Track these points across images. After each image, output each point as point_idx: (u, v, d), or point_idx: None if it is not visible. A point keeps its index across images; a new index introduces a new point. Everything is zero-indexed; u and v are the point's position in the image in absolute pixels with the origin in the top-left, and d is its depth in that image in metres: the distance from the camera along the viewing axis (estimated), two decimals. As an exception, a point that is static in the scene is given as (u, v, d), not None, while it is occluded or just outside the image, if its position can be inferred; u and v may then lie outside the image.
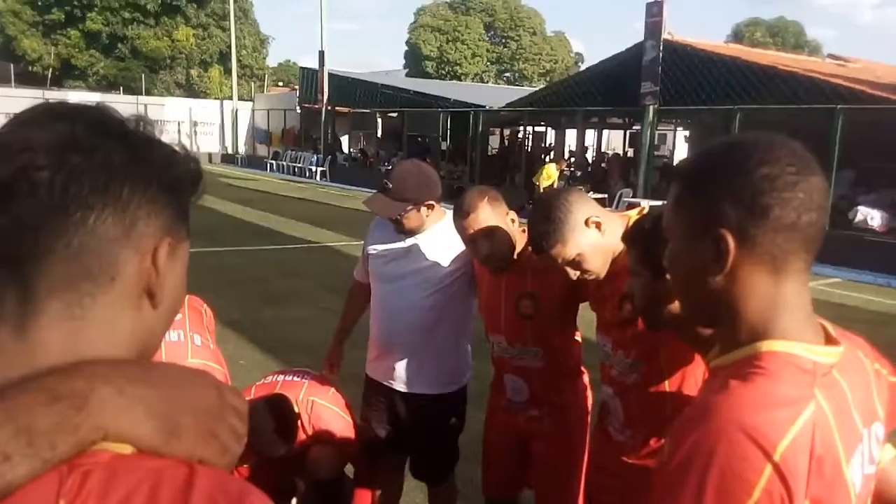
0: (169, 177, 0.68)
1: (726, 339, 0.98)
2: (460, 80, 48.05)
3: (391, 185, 2.51)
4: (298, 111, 29.91)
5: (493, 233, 2.30)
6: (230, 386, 0.70)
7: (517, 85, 47.71)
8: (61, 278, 0.62)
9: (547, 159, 20.24)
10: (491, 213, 2.31)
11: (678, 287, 1.05)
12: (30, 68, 39.34)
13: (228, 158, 32.41)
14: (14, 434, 0.53)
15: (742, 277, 0.93)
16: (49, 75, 38.38)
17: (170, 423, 0.60)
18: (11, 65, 34.75)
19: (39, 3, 39.30)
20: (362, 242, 2.88)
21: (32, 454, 0.54)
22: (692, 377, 1.92)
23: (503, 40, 57.46)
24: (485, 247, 2.32)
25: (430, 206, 2.57)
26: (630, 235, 1.80)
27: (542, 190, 16.64)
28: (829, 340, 0.95)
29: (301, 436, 2.76)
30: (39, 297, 0.62)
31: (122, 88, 36.90)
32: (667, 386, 1.95)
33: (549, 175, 17.19)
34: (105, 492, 0.55)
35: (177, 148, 0.71)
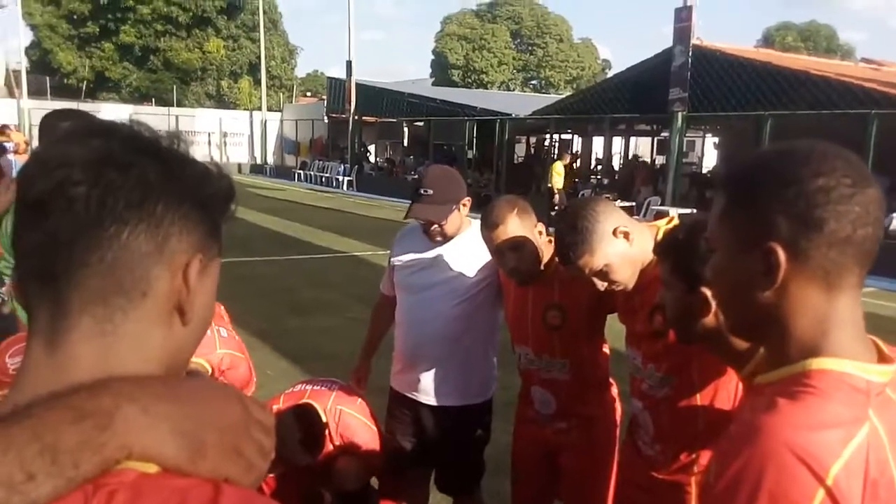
0: (202, 194, 0.69)
1: (773, 356, 0.95)
2: (486, 89, 48.12)
3: (431, 191, 2.51)
4: (326, 121, 30.19)
5: (520, 246, 2.28)
6: (256, 400, 0.69)
7: (543, 92, 47.65)
8: (94, 293, 0.62)
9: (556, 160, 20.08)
10: (519, 226, 2.29)
11: (723, 300, 1.01)
12: (65, 81, 40.31)
13: (257, 169, 32.79)
14: (39, 453, 0.53)
15: (793, 292, 0.89)
16: (83, 87, 39.27)
17: (195, 442, 0.60)
18: (47, 78, 35.66)
19: (75, 17, 40.23)
20: (388, 252, 2.87)
21: (57, 473, 0.53)
22: (725, 391, 1.88)
23: (529, 48, 57.41)
24: (511, 260, 2.30)
25: (465, 205, 2.59)
26: (662, 246, 1.76)
27: (556, 190, 16.63)
28: (882, 358, 0.91)
29: (328, 445, 2.76)
30: (72, 313, 0.63)
31: (154, 100, 37.63)
32: (698, 400, 1.91)
33: (558, 172, 17.14)
34: None
35: (210, 165, 0.72)
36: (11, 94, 29.40)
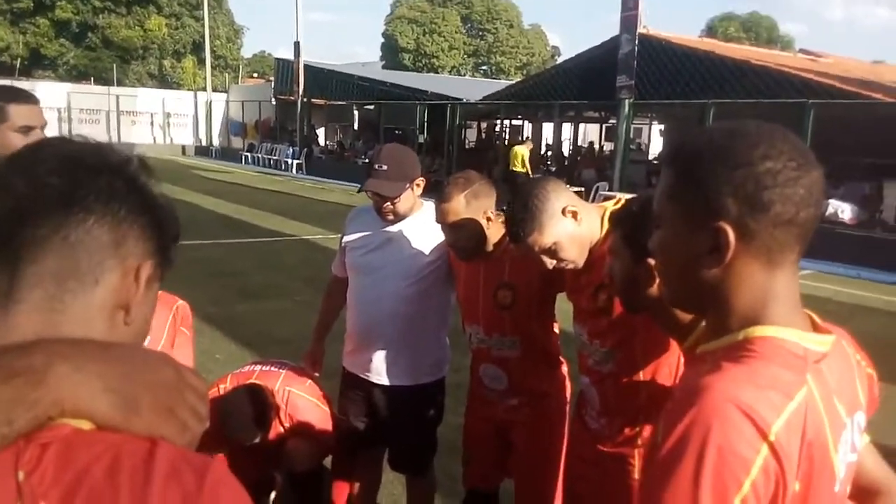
0: (159, 215, 0.74)
1: (714, 326, 0.98)
2: (437, 73, 47.94)
3: (385, 167, 2.51)
4: (273, 103, 29.63)
5: (462, 225, 2.34)
6: (189, 367, 0.71)
7: (494, 78, 47.75)
8: (50, 271, 0.65)
9: (515, 144, 20.19)
10: (465, 207, 2.33)
11: (667, 275, 1.04)
12: (-3, 58, 38.53)
13: (203, 151, 32.01)
14: None
15: (737, 269, 0.93)
16: (17, 65, 37.57)
17: (128, 400, 0.62)
18: (-22, 54, 34.00)
19: (7, -9, 38.43)
20: (339, 235, 2.86)
21: None
22: (666, 367, 1.95)
23: (480, 33, 57.39)
24: (450, 236, 2.39)
25: (419, 185, 2.61)
26: (617, 215, 1.81)
27: (522, 172, 16.72)
28: (817, 329, 0.96)
29: (277, 427, 2.75)
30: (26, 286, 0.65)
31: (93, 79, 36.23)
32: (641, 375, 1.98)
33: (520, 154, 17.24)
34: (64, 463, 0.56)
35: (166, 200, 0.77)
36: (-61, 71, 27.96)
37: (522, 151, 17.49)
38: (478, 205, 2.35)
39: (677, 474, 0.82)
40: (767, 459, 0.81)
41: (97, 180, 0.68)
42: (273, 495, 3.08)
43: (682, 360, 1.90)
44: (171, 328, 2.48)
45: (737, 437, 0.81)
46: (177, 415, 0.65)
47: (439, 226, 2.42)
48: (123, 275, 0.70)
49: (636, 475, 1.98)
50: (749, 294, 0.93)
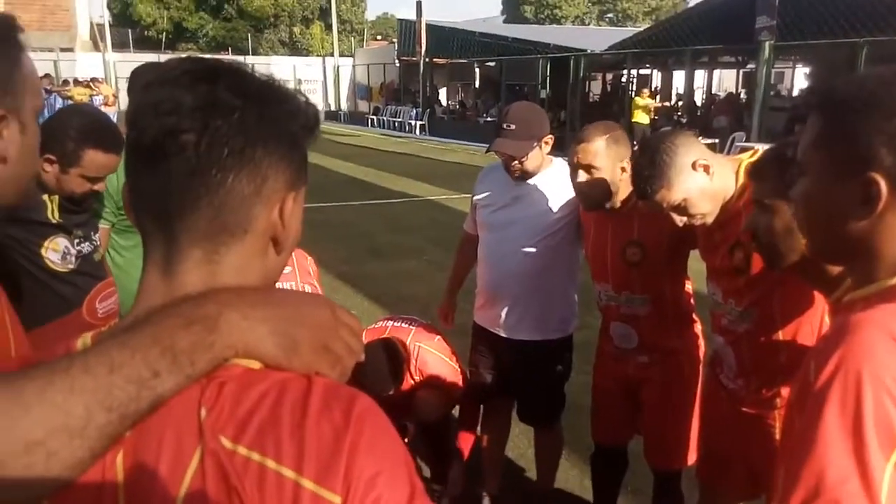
0: (294, 131, 0.75)
1: (861, 277, 0.96)
2: (560, 24, 46.59)
3: (514, 126, 2.53)
4: (397, 65, 30.04)
5: (597, 168, 2.29)
6: (343, 307, 0.77)
7: (620, 26, 45.76)
8: (202, 232, 0.70)
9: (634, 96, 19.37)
10: (604, 151, 2.29)
11: (811, 226, 1.01)
12: (145, 33, 41.46)
13: (331, 115, 33.13)
14: (160, 354, 0.62)
15: (888, 220, 0.90)
16: (163, 39, 40.31)
17: (289, 340, 0.69)
18: (129, 30, 36.74)
19: (152, -30, 41.08)
20: (463, 195, 2.93)
21: (177, 370, 0.63)
22: (808, 325, 1.86)
23: (605, -21, 55.02)
24: (581, 178, 2.32)
25: (547, 143, 2.61)
26: (762, 165, 1.71)
27: (644, 126, 16.10)
28: None
29: (408, 380, 2.88)
30: (183, 248, 0.71)
31: (230, 49, 38.27)
32: (780, 335, 1.90)
33: (642, 105, 16.55)
34: (238, 399, 0.64)
35: (300, 98, 0.77)
36: (96, 48, 30.47)
37: (639, 102, 16.79)
38: (617, 151, 2.30)
39: (835, 407, 0.80)
40: None
41: (230, 125, 0.68)
42: (405, 443, 3.24)
43: (827, 317, 1.80)
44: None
45: (894, 364, 0.79)
46: (332, 351, 0.72)
47: (569, 181, 2.40)
48: (269, 214, 0.72)
49: (777, 435, 1.91)
50: None
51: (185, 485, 0.62)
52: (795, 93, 24.32)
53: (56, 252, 2.11)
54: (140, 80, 2.65)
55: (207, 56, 0.80)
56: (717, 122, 17.07)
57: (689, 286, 2.45)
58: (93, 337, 0.71)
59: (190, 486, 0.62)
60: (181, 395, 0.63)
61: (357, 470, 0.63)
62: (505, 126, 2.55)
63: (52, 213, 2.10)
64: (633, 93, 20.38)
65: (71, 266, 2.14)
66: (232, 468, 0.61)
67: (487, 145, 2.61)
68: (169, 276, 0.71)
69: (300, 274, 2.75)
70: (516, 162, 2.56)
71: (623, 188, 2.32)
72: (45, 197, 2.09)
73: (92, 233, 2.26)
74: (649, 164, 1.91)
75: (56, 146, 2.01)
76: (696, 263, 2.27)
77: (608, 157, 2.29)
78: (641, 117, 16.65)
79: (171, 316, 0.65)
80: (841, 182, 0.92)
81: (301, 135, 0.76)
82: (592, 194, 2.34)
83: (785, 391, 1.90)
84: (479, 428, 3.07)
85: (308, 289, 2.69)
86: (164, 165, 0.68)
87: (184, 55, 0.82)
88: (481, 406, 3.02)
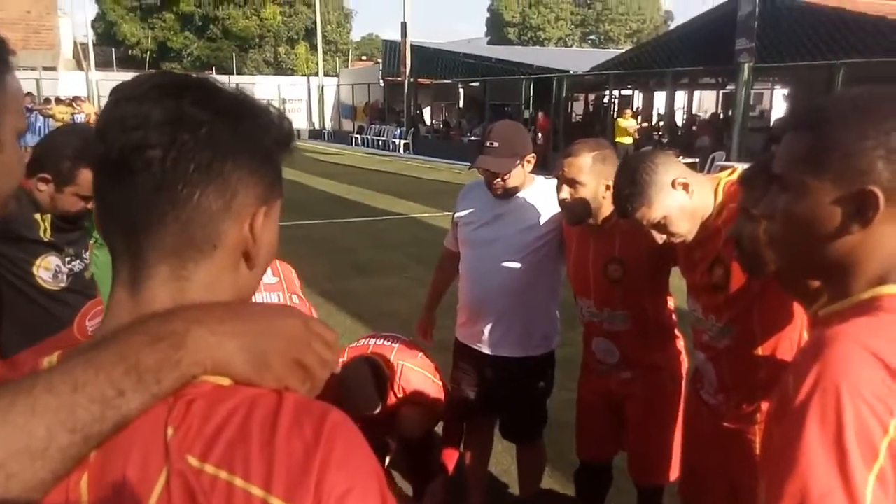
0: (267, 145, 0.74)
1: (837, 291, 0.97)
2: (543, 46, 47.12)
3: (497, 144, 2.56)
4: (382, 84, 30.19)
5: (581, 184, 2.31)
6: (315, 318, 0.75)
7: (602, 48, 46.36)
8: (170, 248, 0.69)
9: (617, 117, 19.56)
10: (589, 167, 2.31)
11: (790, 241, 1.01)
12: (129, 52, 41.38)
13: (316, 134, 33.19)
14: (125, 372, 0.61)
15: (877, 232, 0.91)
16: (147, 58, 40.25)
17: (259, 356, 0.67)
18: (113, 49, 36.67)
19: (136, -11, 41.11)
20: (446, 213, 2.94)
21: (143, 389, 0.61)
22: (787, 340, 1.87)
23: (588, 1, 55.79)
24: (565, 192, 2.34)
25: (529, 161, 2.63)
26: (753, 173, 1.71)
27: (626, 146, 16.28)
28: None
29: (391, 397, 2.86)
30: (150, 264, 0.69)
31: (214, 69, 38.29)
32: (760, 350, 1.91)
33: (624, 127, 16.73)
34: (206, 417, 0.63)
35: (273, 112, 0.76)
36: (80, 67, 30.37)
37: (624, 124, 16.99)
38: (602, 169, 2.32)
39: (816, 421, 0.81)
40: None
41: (198, 139, 0.67)
42: (388, 460, 3.21)
43: (805, 332, 1.82)
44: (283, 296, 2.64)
45: (872, 378, 0.80)
46: (305, 364, 0.70)
47: (551, 198, 2.41)
48: (239, 228, 0.71)
49: (757, 450, 1.92)
50: (881, 256, 0.92)
51: None
52: (774, 113, 24.71)
53: (48, 270, 2.11)
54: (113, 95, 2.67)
55: (179, 73, 0.79)
56: (699, 141, 17.30)
57: (671, 303, 2.46)
58: (59, 355, 0.69)
59: None
60: (147, 415, 0.62)
61: (328, 486, 0.61)
62: (488, 143, 2.57)
63: (45, 232, 2.11)
64: (616, 113, 20.61)
65: (62, 284, 2.14)
66: (199, 487, 0.60)
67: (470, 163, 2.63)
68: (136, 292, 0.69)
69: (286, 284, 2.74)
70: (499, 179, 2.58)
71: (606, 206, 2.34)
72: (38, 216, 2.09)
73: (83, 251, 2.26)
74: (630, 182, 1.93)
75: (51, 166, 2.03)
76: (677, 280, 2.28)
77: (593, 174, 2.31)
78: (624, 138, 16.82)
79: (137, 333, 0.63)
80: (831, 196, 0.92)
81: (274, 149, 0.75)
82: (571, 206, 2.37)
83: (765, 406, 1.90)
84: (462, 445, 3.06)
85: (295, 299, 2.68)
86: (130, 181, 0.67)
87: (168, 75, 0.80)
88: (464, 423, 3.01)
